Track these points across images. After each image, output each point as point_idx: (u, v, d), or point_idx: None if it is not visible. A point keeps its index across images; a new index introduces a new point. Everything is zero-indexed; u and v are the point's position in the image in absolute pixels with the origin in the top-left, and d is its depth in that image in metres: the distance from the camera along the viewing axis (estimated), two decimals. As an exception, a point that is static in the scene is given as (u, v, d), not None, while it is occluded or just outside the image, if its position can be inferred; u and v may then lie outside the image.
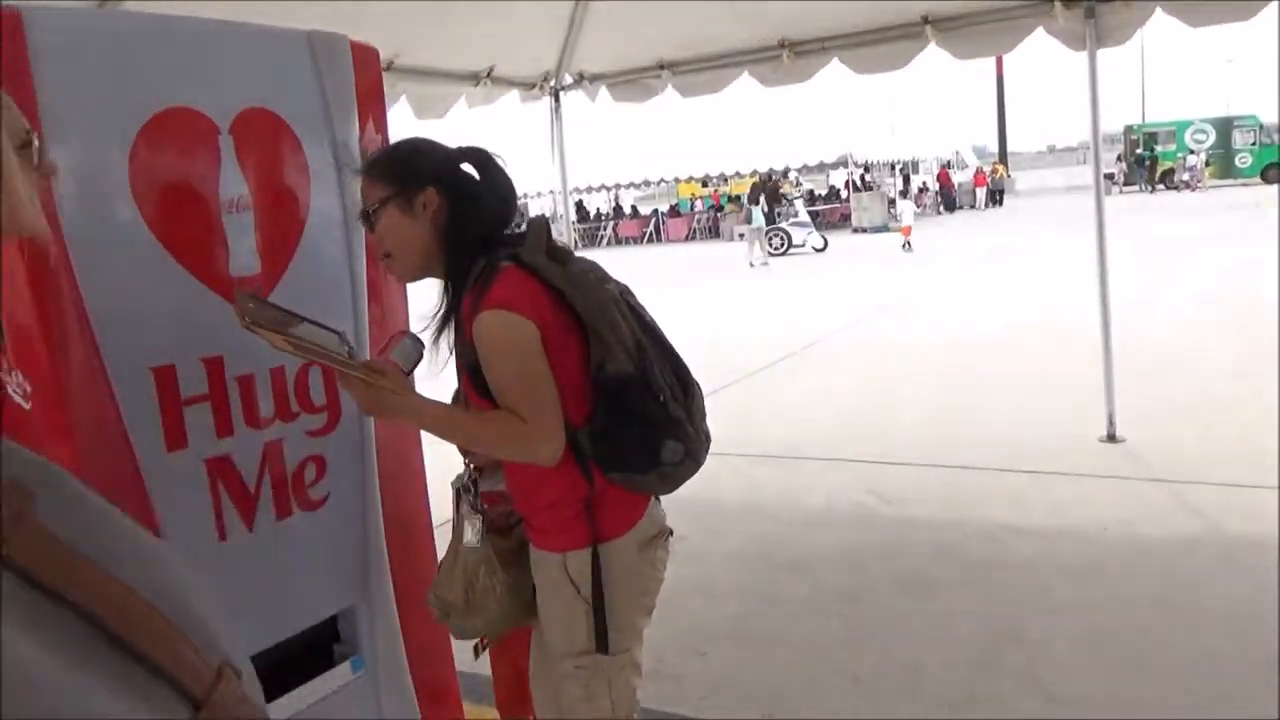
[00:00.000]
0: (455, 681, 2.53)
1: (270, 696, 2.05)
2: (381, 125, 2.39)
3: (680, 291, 15.41)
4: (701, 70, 5.70)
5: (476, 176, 1.87)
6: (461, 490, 2.03)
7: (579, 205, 31.72)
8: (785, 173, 28.70)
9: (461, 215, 1.82)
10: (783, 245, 21.94)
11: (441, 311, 1.85)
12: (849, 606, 3.61)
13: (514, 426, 1.70)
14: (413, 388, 1.80)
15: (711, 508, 4.79)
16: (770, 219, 21.99)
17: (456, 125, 5.66)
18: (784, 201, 24.18)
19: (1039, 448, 5.24)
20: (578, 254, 1.92)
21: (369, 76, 2.37)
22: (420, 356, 1.82)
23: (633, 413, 1.73)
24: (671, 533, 1.94)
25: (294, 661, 2.11)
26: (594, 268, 1.85)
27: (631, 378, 1.71)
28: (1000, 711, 2.80)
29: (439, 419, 1.78)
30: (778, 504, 4.84)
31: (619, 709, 1.88)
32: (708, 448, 1.87)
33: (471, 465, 2.05)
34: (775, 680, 3.11)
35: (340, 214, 2.19)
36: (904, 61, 5.14)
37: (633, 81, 5.95)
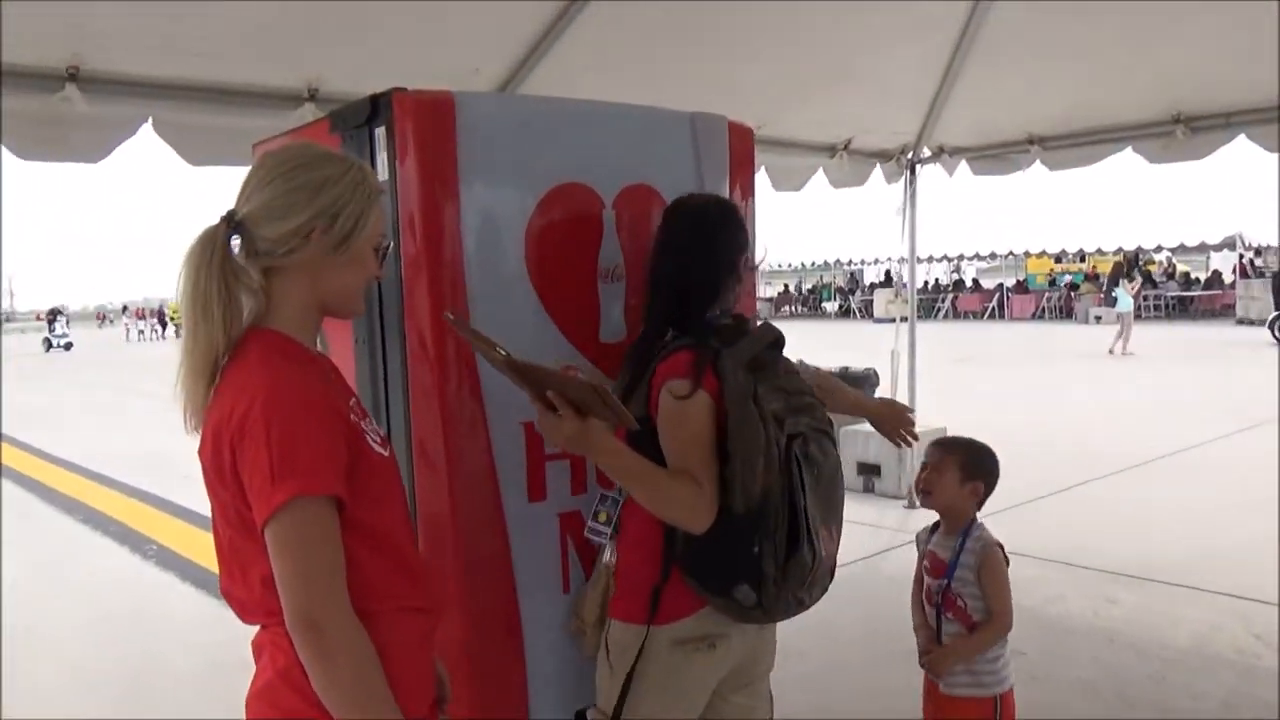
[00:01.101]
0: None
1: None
2: (748, 191, 2.44)
3: (1023, 373, 14.37)
4: (1076, 145, 5.29)
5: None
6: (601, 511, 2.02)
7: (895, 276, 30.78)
8: (1156, 251, 25.92)
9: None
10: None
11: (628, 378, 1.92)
12: (1226, 771, 3.06)
13: (692, 489, 1.75)
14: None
15: (1056, 623, 4.33)
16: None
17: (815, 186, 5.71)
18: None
19: None
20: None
21: (744, 161, 2.45)
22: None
23: (725, 546, 1.77)
24: (714, 644, 1.87)
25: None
26: (790, 393, 1.84)
27: (736, 518, 1.74)
28: None
29: (630, 464, 1.77)
30: (1135, 632, 4.25)
31: None
32: (794, 611, 1.87)
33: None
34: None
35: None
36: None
37: (997, 156, 5.65)
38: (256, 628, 1.47)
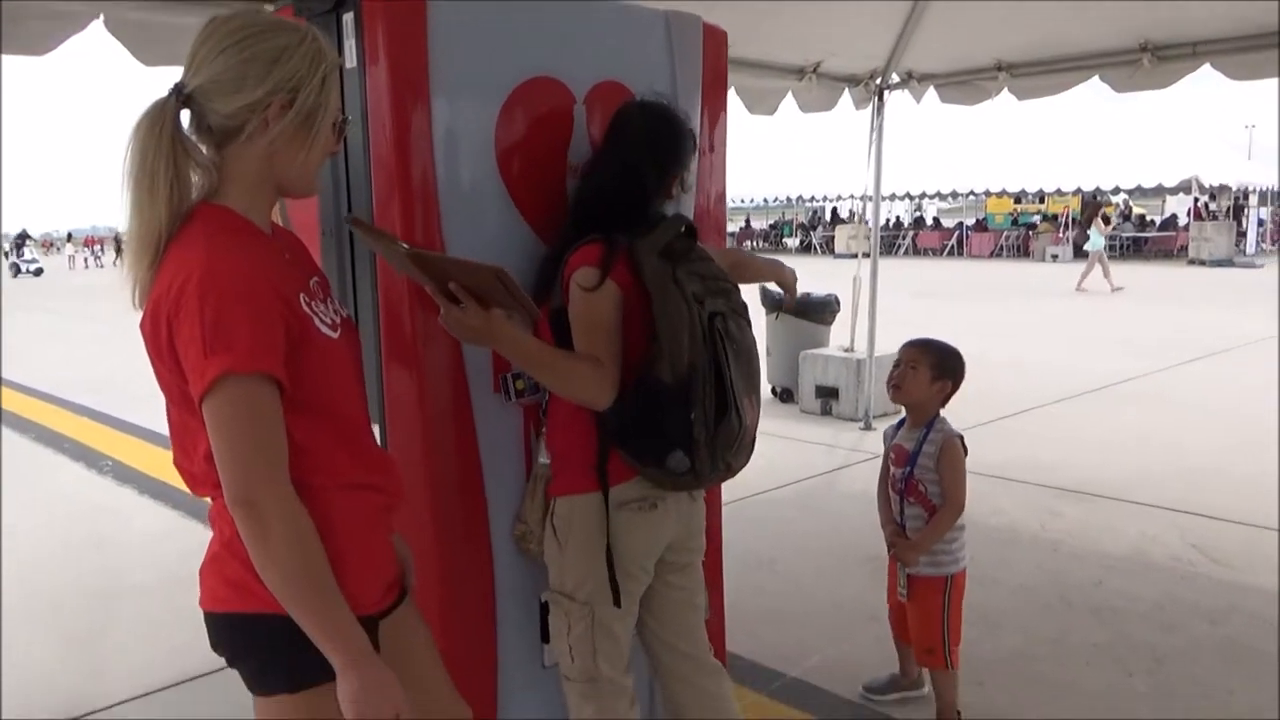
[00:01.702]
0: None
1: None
2: (721, 90, 2.44)
3: (984, 310, 14.62)
4: (1044, 74, 5.31)
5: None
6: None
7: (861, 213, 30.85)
8: (1114, 193, 26.23)
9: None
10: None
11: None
12: (1156, 666, 3.23)
13: (592, 366, 1.86)
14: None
15: (1003, 535, 4.52)
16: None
17: (780, 119, 5.71)
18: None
19: None
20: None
21: (716, 61, 2.44)
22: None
23: (656, 418, 1.86)
24: (654, 505, 1.97)
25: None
26: (706, 278, 1.92)
27: (667, 389, 1.83)
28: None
29: (532, 349, 1.85)
30: (1076, 543, 4.44)
31: (576, 653, 1.99)
32: (723, 476, 1.98)
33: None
34: (1061, 729, 2.86)
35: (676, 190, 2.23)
36: (1291, 69, 4.49)
37: (965, 83, 5.66)
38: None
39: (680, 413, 1.84)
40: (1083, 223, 21.34)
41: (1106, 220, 20.61)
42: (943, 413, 2.80)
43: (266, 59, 1.39)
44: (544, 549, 2.05)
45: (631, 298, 1.88)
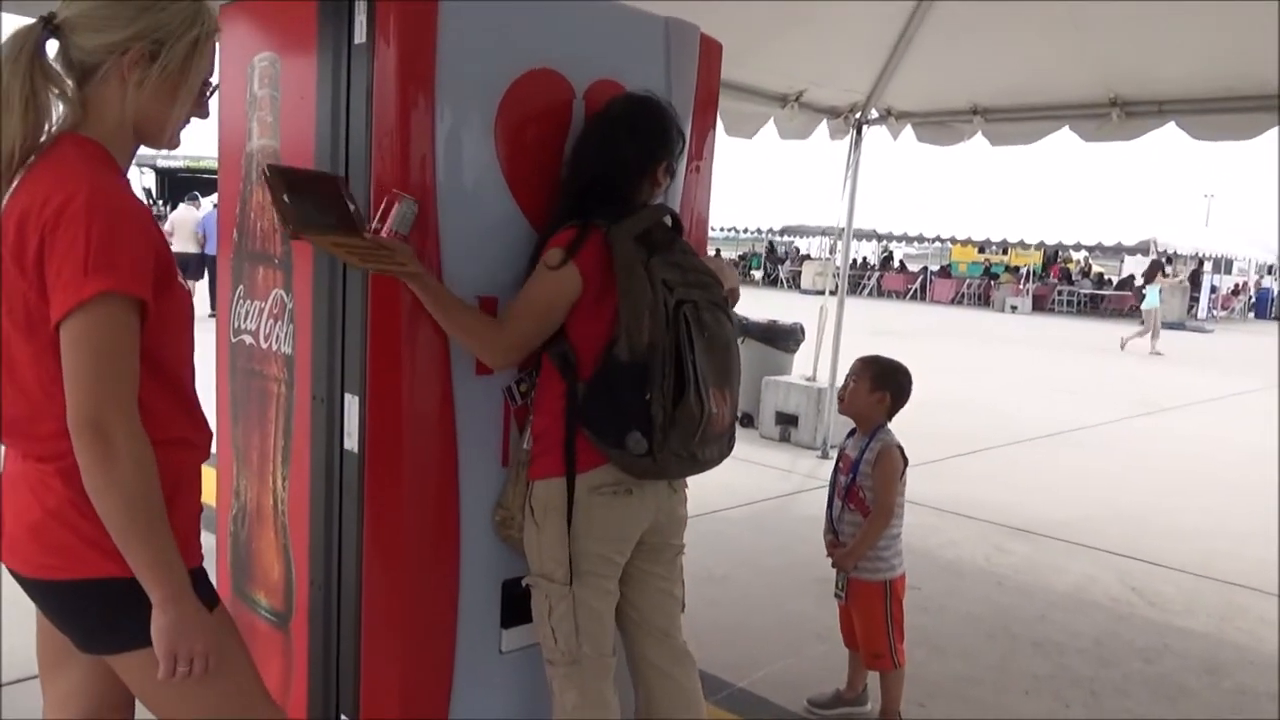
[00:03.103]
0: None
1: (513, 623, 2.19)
2: (713, 102, 2.51)
3: (943, 352, 14.86)
4: (1017, 120, 5.48)
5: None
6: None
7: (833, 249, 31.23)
8: (1075, 249, 26.84)
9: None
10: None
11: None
12: (1091, 699, 3.31)
13: (488, 323, 1.95)
14: (413, 253, 1.86)
15: (952, 566, 4.60)
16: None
17: (760, 145, 5.81)
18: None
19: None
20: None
21: (710, 72, 2.49)
22: (416, 215, 1.90)
23: (616, 395, 1.89)
24: (630, 490, 1.97)
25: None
26: (686, 269, 1.95)
27: (626, 367, 1.87)
28: None
29: (431, 289, 1.88)
30: (1022, 578, 4.54)
31: (559, 634, 2.01)
32: (689, 467, 1.98)
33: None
34: (998, 752, 2.92)
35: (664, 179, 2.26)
36: (1251, 133, 4.68)
37: (941, 123, 5.82)
38: None
39: (637, 393, 1.86)
40: (1145, 279, 20.98)
41: (1166, 276, 20.05)
42: (890, 426, 2.91)
43: (138, 5, 1.41)
44: (524, 534, 2.06)
45: (603, 282, 1.92)
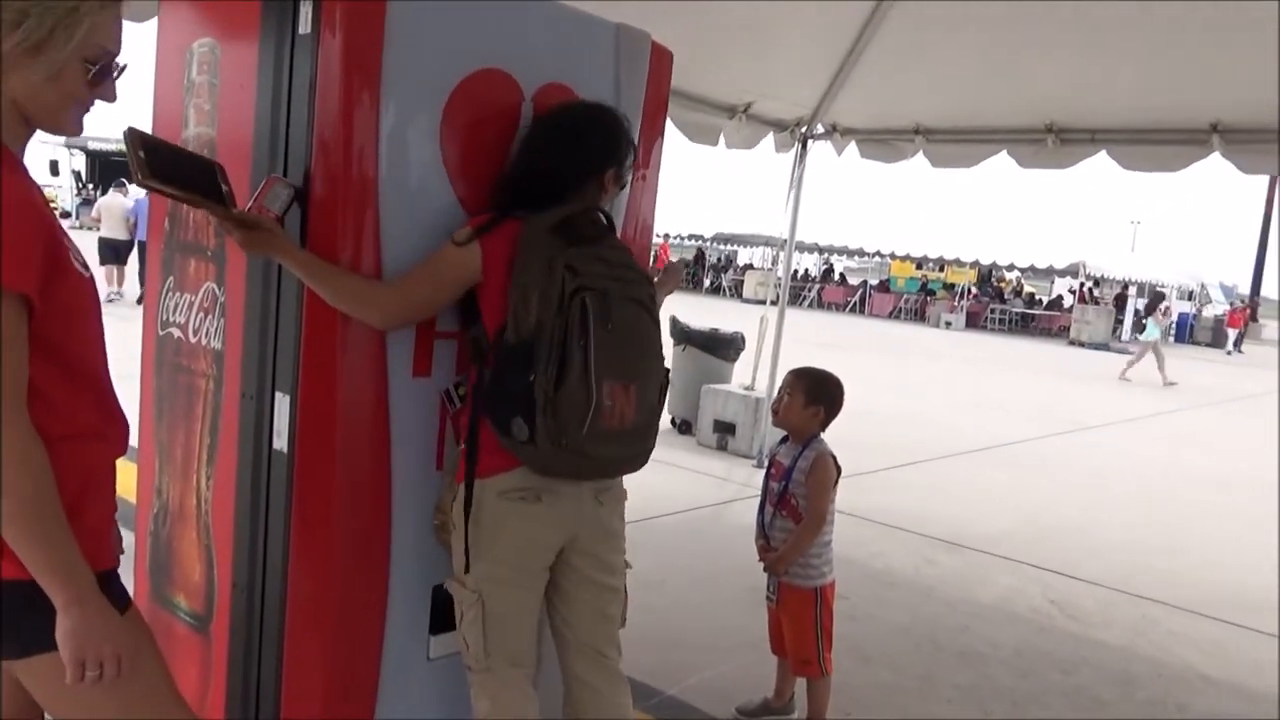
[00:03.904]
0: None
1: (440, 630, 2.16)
2: (661, 110, 2.50)
3: (879, 365, 15.11)
4: (958, 142, 5.60)
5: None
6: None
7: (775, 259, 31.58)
8: (1009, 269, 27.57)
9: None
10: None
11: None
12: (1012, 708, 3.39)
13: (371, 284, 1.91)
14: (279, 228, 1.87)
15: (882, 577, 4.67)
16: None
17: (696, 152, 5.85)
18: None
19: (1248, 600, 4.81)
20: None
21: (660, 80, 2.49)
22: (292, 199, 1.91)
23: (503, 379, 1.88)
24: (539, 497, 1.94)
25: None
26: (612, 264, 1.93)
27: (512, 348, 1.85)
28: None
29: (303, 260, 1.87)
30: (948, 589, 4.63)
31: (469, 640, 1.98)
32: (585, 467, 1.92)
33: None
34: (921, 762, 2.96)
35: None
36: (1179, 165, 4.85)
37: (884, 141, 5.92)
38: None
39: (523, 376, 1.82)
40: (1145, 312, 21.23)
41: (1166, 314, 20.01)
42: (824, 435, 2.95)
43: None
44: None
45: (512, 269, 1.89)
